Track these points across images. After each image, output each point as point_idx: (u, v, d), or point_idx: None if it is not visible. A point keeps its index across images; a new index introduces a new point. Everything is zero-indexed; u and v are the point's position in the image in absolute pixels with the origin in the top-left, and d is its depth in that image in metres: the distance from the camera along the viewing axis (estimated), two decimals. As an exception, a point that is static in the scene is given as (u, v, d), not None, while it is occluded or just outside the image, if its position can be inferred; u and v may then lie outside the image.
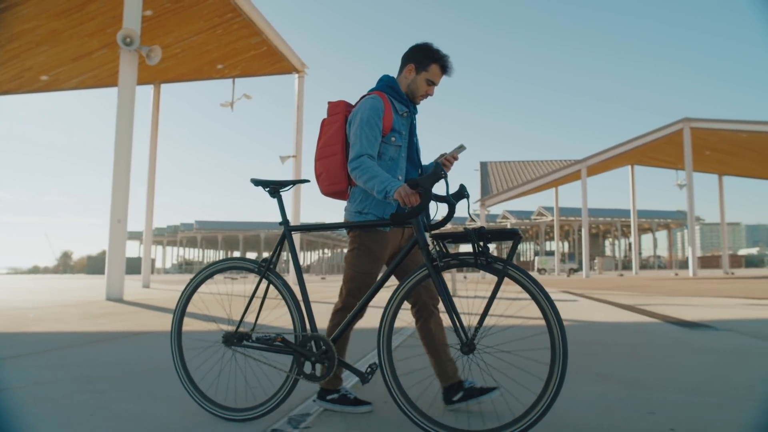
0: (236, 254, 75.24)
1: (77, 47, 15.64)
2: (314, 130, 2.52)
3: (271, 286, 2.29)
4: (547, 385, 1.80)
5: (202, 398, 2.31)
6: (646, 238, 73.96)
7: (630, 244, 64.12)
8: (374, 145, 2.26)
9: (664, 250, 61.62)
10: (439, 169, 2.02)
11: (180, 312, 2.42)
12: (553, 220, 43.02)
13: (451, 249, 2.05)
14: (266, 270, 2.29)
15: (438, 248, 2.02)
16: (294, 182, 2.36)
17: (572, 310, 7.44)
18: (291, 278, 13.76)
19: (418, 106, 2.47)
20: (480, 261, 1.91)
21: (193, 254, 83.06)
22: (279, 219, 2.31)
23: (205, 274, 2.40)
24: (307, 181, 2.48)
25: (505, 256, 1.90)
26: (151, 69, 18.04)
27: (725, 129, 25.90)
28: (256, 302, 2.26)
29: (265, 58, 18.48)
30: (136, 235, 66.98)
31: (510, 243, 1.91)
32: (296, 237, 15.70)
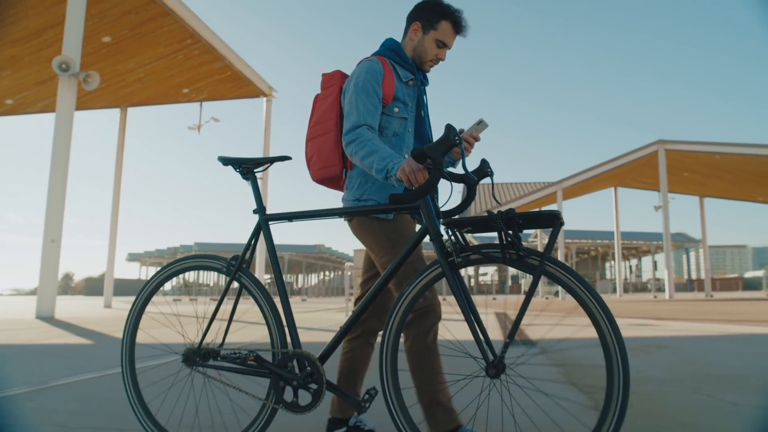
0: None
1: (39, 72, 16.16)
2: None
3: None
4: (603, 417, 1.34)
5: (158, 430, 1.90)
6: (647, 261, 73.34)
7: (631, 267, 63.60)
8: (374, 115, 1.85)
9: (664, 272, 60.69)
10: (452, 132, 1.51)
11: (135, 317, 1.99)
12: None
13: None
14: (237, 270, 1.87)
15: (454, 239, 1.58)
16: (272, 159, 1.92)
17: (456, 329, 7.49)
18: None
19: (428, 75, 2.07)
20: (509, 255, 1.47)
21: (192, 276, 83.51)
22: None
23: (165, 274, 1.98)
24: (289, 158, 1.98)
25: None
26: (116, 93, 18.63)
27: (699, 151, 25.90)
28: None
29: (231, 82, 18.93)
30: (136, 257, 67.84)
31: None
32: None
